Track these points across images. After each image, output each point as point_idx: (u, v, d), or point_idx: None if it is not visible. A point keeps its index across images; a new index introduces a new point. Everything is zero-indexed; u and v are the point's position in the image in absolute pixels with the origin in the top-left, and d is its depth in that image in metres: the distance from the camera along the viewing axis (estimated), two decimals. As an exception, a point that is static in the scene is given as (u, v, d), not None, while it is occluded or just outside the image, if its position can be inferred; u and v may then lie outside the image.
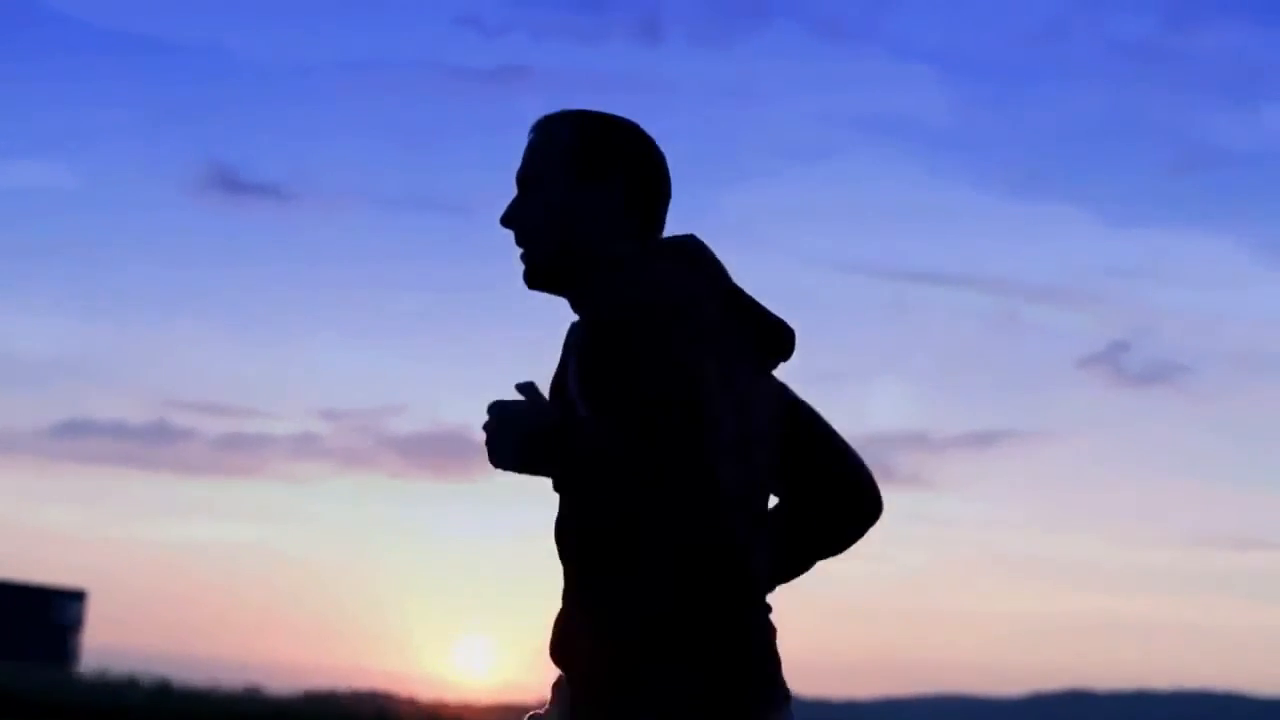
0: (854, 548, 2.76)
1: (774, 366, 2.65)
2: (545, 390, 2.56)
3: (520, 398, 2.47)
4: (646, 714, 2.44)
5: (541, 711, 2.65)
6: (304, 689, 30.48)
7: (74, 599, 44.35)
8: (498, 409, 2.46)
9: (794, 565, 2.71)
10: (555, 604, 2.57)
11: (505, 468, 2.46)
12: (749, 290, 2.64)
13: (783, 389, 2.69)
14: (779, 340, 2.63)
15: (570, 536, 2.51)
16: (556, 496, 2.52)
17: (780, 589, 2.68)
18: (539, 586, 2.83)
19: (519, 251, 2.65)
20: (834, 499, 2.70)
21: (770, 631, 2.56)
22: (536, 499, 2.59)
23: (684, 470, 2.33)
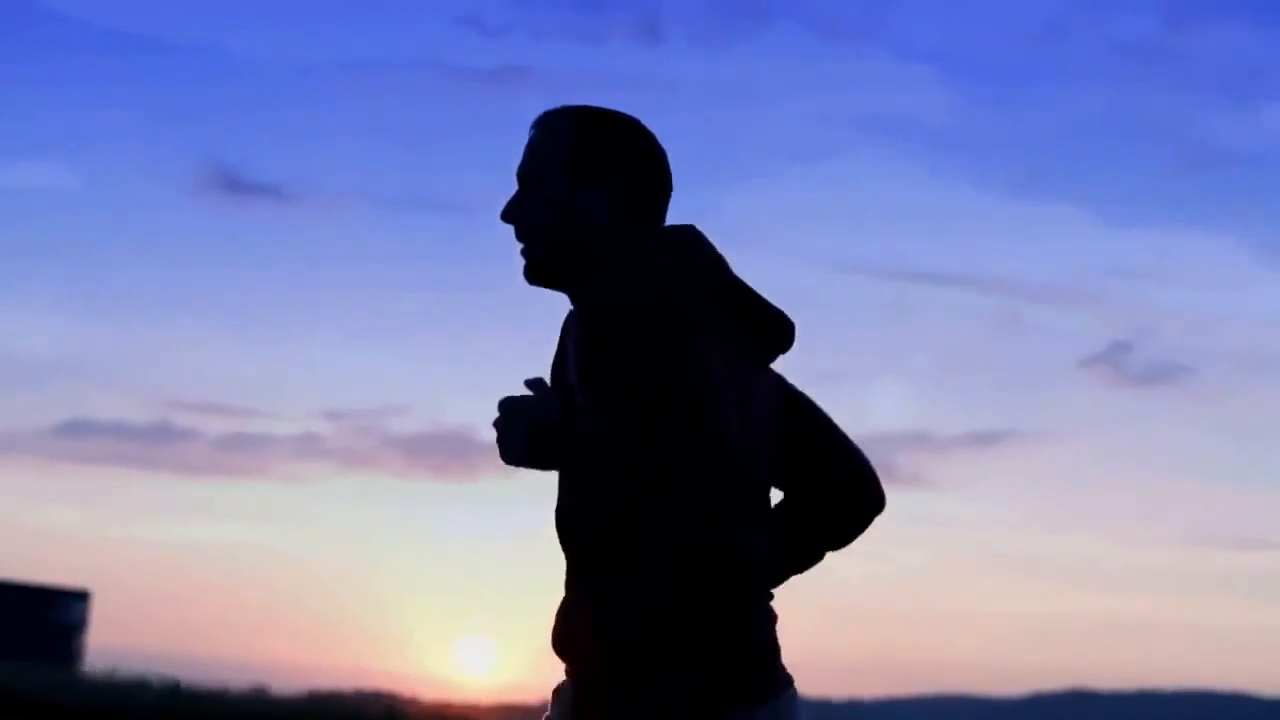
0: (855, 546, 2.75)
1: (774, 359, 2.64)
2: (548, 381, 2.55)
3: (529, 393, 2.48)
4: (646, 713, 2.43)
5: (544, 717, 2.65)
6: (307, 689, 30.52)
7: (77, 599, 44.29)
8: (507, 404, 2.47)
9: (800, 559, 2.71)
10: (556, 604, 2.57)
11: (515, 462, 2.45)
12: (750, 288, 2.63)
13: (780, 380, 2.69)
14: (779, 332, 2.62)
15: (571, 526, 2.51)
16: (557, 496, 2.52)
17: (781, 588, 2.67)
18: (541, 586, 2.83)
19: (519, 247, 2.65)
20: (836, 493, 2.69)
21: (771, 622, 2.56)
22: (538, 499, 2.59)
23: (684, 467, 2.32)
